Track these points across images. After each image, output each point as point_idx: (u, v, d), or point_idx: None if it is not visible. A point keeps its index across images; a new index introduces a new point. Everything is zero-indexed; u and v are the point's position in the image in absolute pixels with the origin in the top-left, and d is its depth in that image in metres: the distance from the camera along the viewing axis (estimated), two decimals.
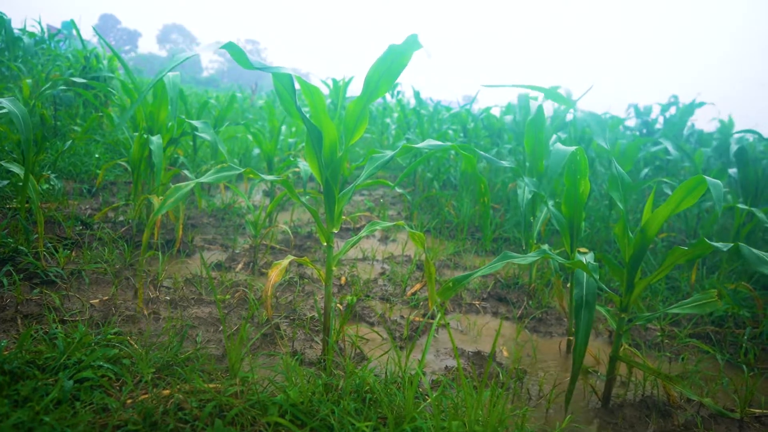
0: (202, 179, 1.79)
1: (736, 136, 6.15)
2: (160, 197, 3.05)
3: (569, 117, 6.31)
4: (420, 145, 1.98)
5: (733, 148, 4.13)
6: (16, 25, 7.40)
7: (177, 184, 1.78)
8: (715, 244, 1.63)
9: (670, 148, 4.77)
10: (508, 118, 5.31)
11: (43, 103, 5.20)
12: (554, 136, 4.17)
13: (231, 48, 1.58)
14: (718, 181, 1.85)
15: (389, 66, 1.78)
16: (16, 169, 2.48)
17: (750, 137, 6.72)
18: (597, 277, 1.87)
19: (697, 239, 1.70)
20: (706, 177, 1.77)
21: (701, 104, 7.38)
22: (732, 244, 1.62)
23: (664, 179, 4.21)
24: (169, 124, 3.39)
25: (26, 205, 2.93)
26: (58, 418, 1.38)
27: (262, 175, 1.91)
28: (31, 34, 7.80)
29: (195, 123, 3.13)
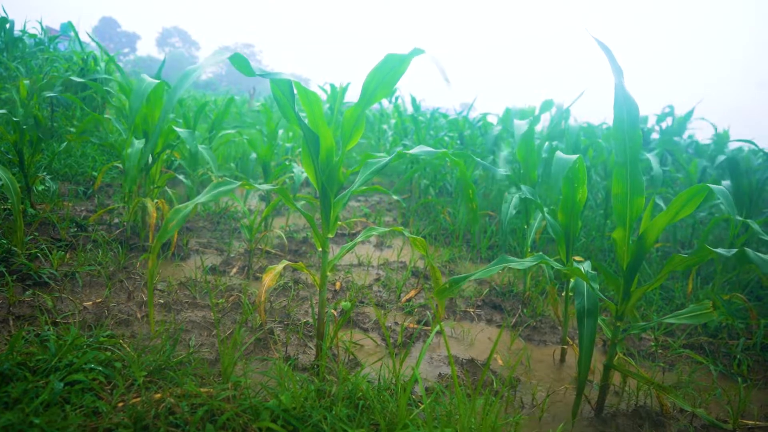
0: (200, 199, 1.77)
1: (732, 146, 6.17)
2: (156, 200, 3.05)
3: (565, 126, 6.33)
4: (413, 151, 1.98)
5: (721, 159, 4.15)
6: (16, 26, 7.40)
7: (177, 207, 1.77)
8: (718, 250, 1.63)
9: (654, 162, 4.77)
10: (497, 128, 5.33)
11: (41, 105, 5.19)
12: (546, 144, 4.19)
13: (235, 59, 1.61)
14: (724, 189, 1.85)
15: (386, 73, 1.79)
16: (1, 172, 2.48)
17: (746, 147, 6.73)
18: (597, 286, 1.88)
19: (696, 246, 1.71)
20: (712, 185, 1.78)
21: (691, 112, 7.40)
22: (737, 250, 1.63)
23: (660, 191, 4.23)
24: (164, 127, 3.38)
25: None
26: (48, 420, 1.37)
27: (257, 185, 1.90)
28: (31, 35, 7.79)
29: (180, 131, 3.14)
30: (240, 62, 1.64)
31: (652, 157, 4.74)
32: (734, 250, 1.64)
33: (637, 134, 1.74)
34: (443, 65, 1.64)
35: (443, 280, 3.38)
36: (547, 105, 4.67)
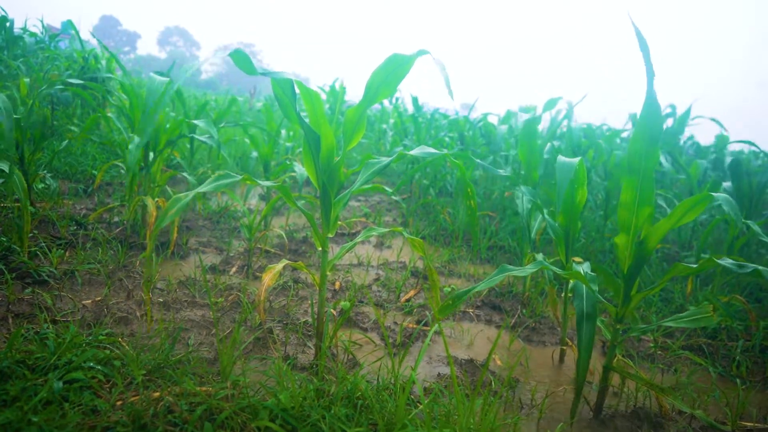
0: (202, 188, 1.77)
1: (732, 147, 6.18)
2: (156, 199, 3.05)
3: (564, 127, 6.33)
4: (413, 152, 1.98)
5: (727, 160, 4.15)
6: (16, 24, 7.40)
7: (177, 195, 1.77)
8: (726, 263, 1.63)
9: (663, 160, 4.78)
10: (502, 128, 5.33)
11: (41, 103, 5.19)
12: (548, 146, 4.19)
13: (236, 55, 1.61)
14: (730, 198, 1.85)
15: (390, 73, 1.79)
16: (4, 167, 2.48)
17: (746, 147, 6.75)
18: (596, 288, 1.87)
19: (696, 249, 1.71)
20: (716, 194, 1.77)
21: (688, 111, 7.39)
22: (753, 268, 1.62)
23: (659, 192, 4.23)
24: (166, 125, 3.39)
25: (16, 204, 2.92)
26: (46, 418, 1.37)
27: (259, 182, 1.91)
28: (32, 34, 7.79)
29: (197, 122, 3.14)
30: (241, 59, 1.63)
31: (661, 156, 4.73)
32: (749, 267, 1.62)
33: (656, 146, 1.68)
34: (447, 72, 1.62)
35: (443, 281, 3.39)
36: (550, 103, 4.65)
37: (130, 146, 2.85)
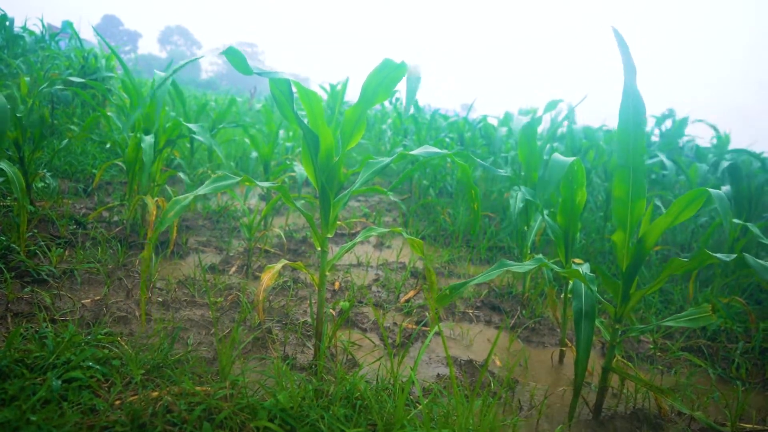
0: (200, 191, 1.76)
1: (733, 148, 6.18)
2: (156, 198, 3.05)
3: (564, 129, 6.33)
4: (416, 151, 1.98)
5: (725, 164, 4.16)
6: (17, 23, 7.40)
7: (176, 198, 1.76)
8: (718, 255, 1.63)
9: (665, 160, 4.78)
10: (502, 129, 5.33)
11: (41, 102, 5.19)
12: (548, 146, 4.19)
13: (231, 53, 1.60)
14: (722, 194, 1.84)
15: (385, 77, 1.80)
16: (5, 166, 2.48)
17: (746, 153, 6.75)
18: (595, 288, 1.87)
19: (696, 251, 1.71)
20: (710, 189, 1.77)
21: (687, 117, 7.41)
22: (735, 255, 1.62)
23: (659, 193, 4.22)
24: (166, 124, 3.38)
25: (16, 202, 2.91)
26: (44, 417, 1.37)
27: (258, 182, 1.90)
28: (32, 33, 7.79)
29: (192, 126, 3.13)
30: (236, 58, 1.61)
31: (663, 157, 4.74)
32: (733, 255, 1.63)
33: (641, 136, 1.70)
34: (418, 83, 1.66)
35: (442, 282, 3.39)
36: (551, 105, 4.65)
37: (142, 145, 2.84)
